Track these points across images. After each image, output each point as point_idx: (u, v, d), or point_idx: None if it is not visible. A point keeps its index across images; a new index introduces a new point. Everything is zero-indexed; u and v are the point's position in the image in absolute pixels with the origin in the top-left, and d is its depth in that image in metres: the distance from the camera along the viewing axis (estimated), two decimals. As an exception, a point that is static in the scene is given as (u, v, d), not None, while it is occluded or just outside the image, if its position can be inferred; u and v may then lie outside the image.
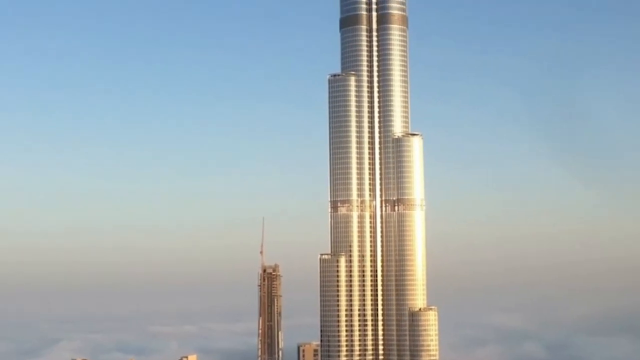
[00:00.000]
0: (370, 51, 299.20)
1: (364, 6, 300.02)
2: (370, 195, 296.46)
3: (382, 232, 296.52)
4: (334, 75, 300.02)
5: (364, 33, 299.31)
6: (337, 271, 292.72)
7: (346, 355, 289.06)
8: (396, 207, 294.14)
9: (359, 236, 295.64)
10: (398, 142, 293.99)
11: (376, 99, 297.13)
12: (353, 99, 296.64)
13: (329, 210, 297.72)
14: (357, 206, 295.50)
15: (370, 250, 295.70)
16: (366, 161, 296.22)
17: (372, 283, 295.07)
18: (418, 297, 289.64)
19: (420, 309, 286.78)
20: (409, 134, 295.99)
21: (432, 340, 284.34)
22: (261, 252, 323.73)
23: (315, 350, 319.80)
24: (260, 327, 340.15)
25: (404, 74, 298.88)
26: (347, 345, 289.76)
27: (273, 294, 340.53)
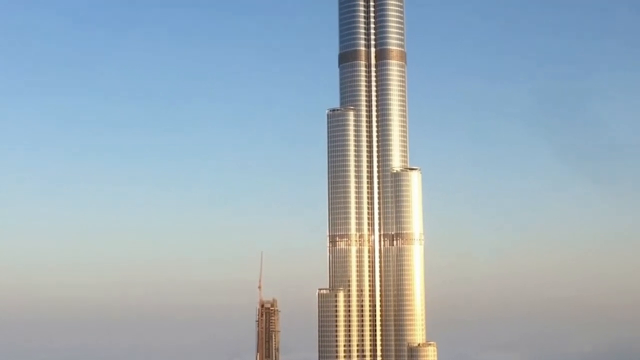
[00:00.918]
0: (369, 86, 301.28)
1: (362, 42, 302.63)
2: (368, 229, 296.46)
3: (380, 266, 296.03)
4: (333, 110, 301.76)
5: (363, 68, 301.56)
6: (336, 306, 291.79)
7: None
8: (395, 242, 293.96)
9: (357, 271, 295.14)
10: (397, 176, 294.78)
11: (375, 134, 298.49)
12: (352, 133, 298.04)
13: (328, 244, 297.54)
14: (356, 240, 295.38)
15: (369, 285, 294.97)
16: (365, 195, 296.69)
17: (371, 318, 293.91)
18: (417, 332, 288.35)
19: (419, 344, 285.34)
20: (407, 168, 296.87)
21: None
22: (259, 287, 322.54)
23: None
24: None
25: (402, 109, 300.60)
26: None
27: (271, 329, 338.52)
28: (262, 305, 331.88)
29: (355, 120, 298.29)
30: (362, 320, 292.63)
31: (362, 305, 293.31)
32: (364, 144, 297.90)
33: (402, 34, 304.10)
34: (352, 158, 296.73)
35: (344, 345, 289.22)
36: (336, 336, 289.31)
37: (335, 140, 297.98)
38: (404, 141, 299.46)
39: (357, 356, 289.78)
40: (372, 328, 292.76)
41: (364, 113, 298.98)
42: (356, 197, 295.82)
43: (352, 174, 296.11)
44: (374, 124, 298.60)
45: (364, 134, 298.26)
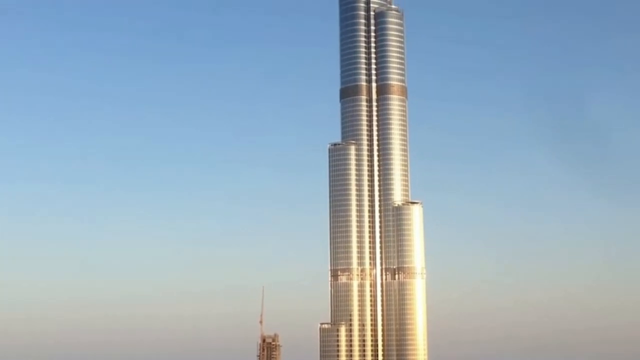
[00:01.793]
0: (370, 121, 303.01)
1: (363, 77, 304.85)
2: (370, 263, 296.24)
3: (382, 300, 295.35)
4: (335, 145, 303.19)
5: (364, 103, 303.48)
6: (337, 341, 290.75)
7: None
8: (397, 276, 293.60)
9: (359, 305, 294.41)
10: (398, 210, 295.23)
11: (376, 168, 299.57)
12: (353, 167, 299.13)
13: (329, 278, 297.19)
14: (358, 275, 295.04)
15: (371, 319, 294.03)
16: (366, 229, 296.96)
17: (373, 353, 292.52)
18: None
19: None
20: (409, 202, 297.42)
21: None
22: (260, 322, 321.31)
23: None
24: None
25: (403, 143, 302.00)
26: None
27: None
28: (264, 340, 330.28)
29: (356, 155, 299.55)
30: (364, 356, 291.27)
31: (364, 340, 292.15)
32: (366, 178, 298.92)
33: (402, 69, 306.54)
34: (353, 192, 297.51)
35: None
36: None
37: (337, 175, 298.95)
38: (405, 175, 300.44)
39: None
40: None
41: (365, 147, 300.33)
42: (358, 231, 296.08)
43: (354, 207, 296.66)
44: (375, 158, 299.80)
45: (366, 168, 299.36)
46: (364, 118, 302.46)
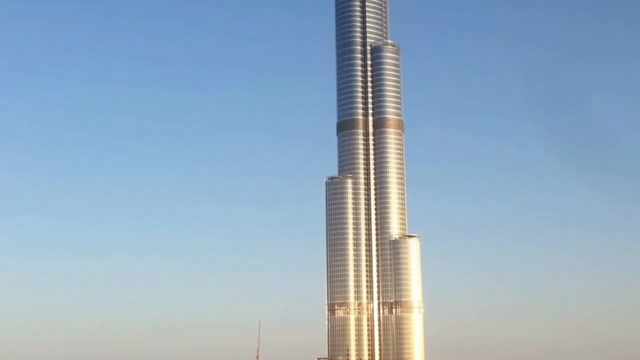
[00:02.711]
0: (367, 154, 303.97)
1: (360, 111, 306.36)
2: (367, 297, 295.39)
3: (379, 335, 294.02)
4: (331, 178, 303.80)
5: (361, 137, 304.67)
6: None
7: None
8: (394, 310, 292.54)
9: (356, 339, 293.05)
10: (395, 243, 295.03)
11: (373, 201, 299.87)
12: (350, 201, 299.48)
13: (326, 312, 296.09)
14: (355, 309, 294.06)
15: (368, 354, 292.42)
16: (363, 263, 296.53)
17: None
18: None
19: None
20: (406, 235, 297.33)
21: None
22: (257, 356, 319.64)
23: None
24: None
25: (400, 176, 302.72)
26: None
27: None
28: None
29: (353, 188, 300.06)
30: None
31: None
32: (362, 211, 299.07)
33: (399, 103, 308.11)
34: (350, 225, 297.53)
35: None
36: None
37: (334, 208, 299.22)
38: (402, 208, 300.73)
39: None
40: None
41: (362, 181, 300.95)
42: (355, 265, 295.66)
43: (351, 241, 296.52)
44: (372, 191, 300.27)
45: (362, 201, 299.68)
46: (361, 151, 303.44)
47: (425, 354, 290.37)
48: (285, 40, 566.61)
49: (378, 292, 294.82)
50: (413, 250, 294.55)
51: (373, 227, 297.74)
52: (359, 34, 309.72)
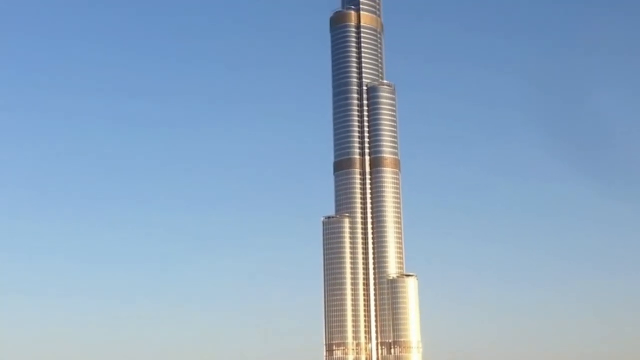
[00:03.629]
0: (363, 194, 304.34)
1: (357, 150, 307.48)
2: (365, 337, 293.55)
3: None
4: (328, 217, 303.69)
5: (358, 176, 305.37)
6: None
7: None
8: (392, 350, 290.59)
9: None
10: (393, 283, 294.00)
11: (370, 241, 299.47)
12: (347, 240, 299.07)
13: (324, 353, 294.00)
14: (353, 349, 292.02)
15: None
16: (361, 302, 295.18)
17: None
18: None
19: None
20: (403, 274, 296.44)
21: None
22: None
23: None
24: None
25: (397, 215, 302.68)
26: None
27: None
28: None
29: (350, 227, 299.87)
30: None
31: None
32: (360, 250, 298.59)
33: (395, 142, 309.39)
34: (348, 265, 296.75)
35: None
36: None
37: (331, 248, 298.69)
38: (400, 247, 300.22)
39: None
40: None
41: (359, 220, 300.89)
42: (352, 304, 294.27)
43: (348, 281, 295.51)
44: (369, 230, 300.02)
45: (360, 240, 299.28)
46: (358, 191, 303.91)
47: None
48: (281, 79, 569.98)
49: (376, 331, 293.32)
50: (411, 289, 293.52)
51: (371, 266, 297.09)
52: (354, 74, 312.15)
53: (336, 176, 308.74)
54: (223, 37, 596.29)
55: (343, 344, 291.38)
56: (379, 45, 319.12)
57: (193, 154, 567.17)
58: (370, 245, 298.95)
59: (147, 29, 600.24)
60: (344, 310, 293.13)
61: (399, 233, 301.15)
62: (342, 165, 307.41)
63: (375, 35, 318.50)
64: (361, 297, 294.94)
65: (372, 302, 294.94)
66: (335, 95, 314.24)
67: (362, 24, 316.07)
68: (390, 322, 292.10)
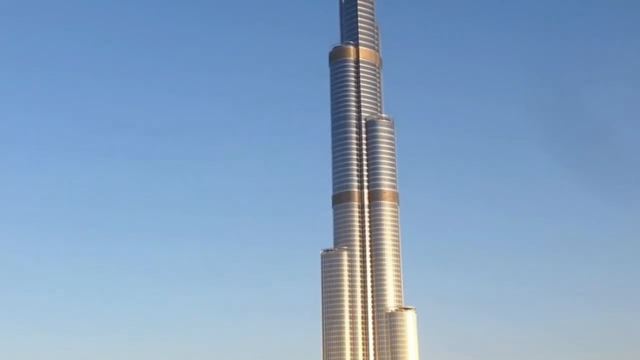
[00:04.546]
0: (362, 227, 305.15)
1: (355, 183, 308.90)
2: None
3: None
4: (327, 251, 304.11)
5: (356, 209, 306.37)
6: None
7: None
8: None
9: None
10: (391, 316, 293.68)
11: (369, 274, 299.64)
12: (346, 274, 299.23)
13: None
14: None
15: None
16: (359, 336, 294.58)
17: None
18: None
19: None
20: (402, 308, 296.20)
21: None
22: None
23: None
24: None
25: (395, 248, 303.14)
26: None
27: None
28: None
29: (349, 261, 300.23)
30: None
31: None
32: (358, 284, 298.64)
33: (394, 176, 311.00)
34: (346, 298, 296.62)
35: None
36: None
37: (329, 281, 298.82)
38: (398, 281, 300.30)
39: None
40: None
41: (357, 253, 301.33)
42: (351, 338, 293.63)
43: (347, 314, 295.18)
44: (368, 263, 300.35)
45: (358, 274, 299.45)
46: (356, 224, 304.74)
47: None
48: (281, 113, 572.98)
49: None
50: (410, 323, 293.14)
51: (369, 299, 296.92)
52: (353, 108, 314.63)
53: (335, 209, 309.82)
54: (223, 71, 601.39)
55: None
56: (378, 80, 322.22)
57: (192, 187, 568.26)
58: (368, 279, 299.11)
59: (144, 66, 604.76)
60: (343, 343, 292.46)
61: (398, 266, 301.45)
62: (340, 199, 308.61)
63: (374, 70, 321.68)
64: (359, 330, 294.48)
65: (371, 336, 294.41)
66: (334, 129, 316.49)
67: (361, 58, 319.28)
68: (389, 356, 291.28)
